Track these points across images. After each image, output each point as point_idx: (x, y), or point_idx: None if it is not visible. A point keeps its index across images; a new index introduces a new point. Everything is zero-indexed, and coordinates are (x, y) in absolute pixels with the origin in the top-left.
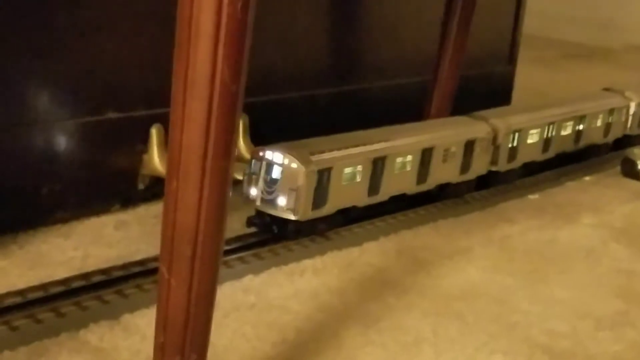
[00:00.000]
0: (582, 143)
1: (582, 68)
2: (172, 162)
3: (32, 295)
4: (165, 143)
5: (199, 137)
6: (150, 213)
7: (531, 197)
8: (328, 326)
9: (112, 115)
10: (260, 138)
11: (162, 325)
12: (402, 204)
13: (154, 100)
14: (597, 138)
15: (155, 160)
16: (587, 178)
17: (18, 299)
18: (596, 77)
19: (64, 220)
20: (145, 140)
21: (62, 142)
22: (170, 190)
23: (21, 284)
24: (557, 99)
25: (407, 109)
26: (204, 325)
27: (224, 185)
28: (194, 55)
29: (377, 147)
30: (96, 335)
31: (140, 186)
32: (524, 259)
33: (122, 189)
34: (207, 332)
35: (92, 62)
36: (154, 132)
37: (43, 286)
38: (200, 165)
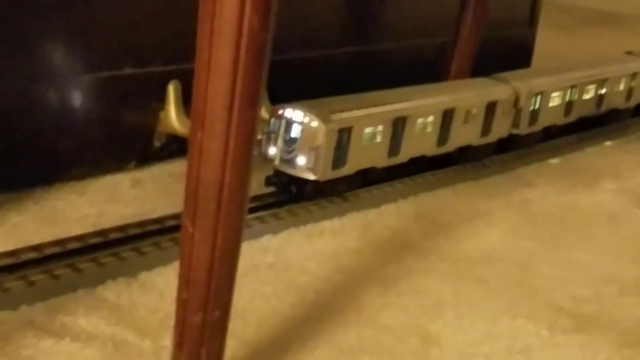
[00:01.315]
0: (604, 107)
1: (599, 34)
2: (196, 112)
3: (48, 251)
4: (182, 100)
5: (225, 86)
6: (166, 171)
7: (551, 161)
8: (347, 288)
9: (128, 70)
10: (275, 98)
11: (185, 281)
12: (420, 166)
13: (172, 55)
14: (619, 102)
15: (172, 117)
16: (607, 143)
17: (34, 254)
18: (613, 43)
19: (79, 177)
20: (162, 97)
21: (78, 97)
22: (195, 141)
23: (36, 240)
24: (579, 61)
25: (425, 70)
26: (228, 281)
27: (250, 136)
28: (220, 0)
29: (398, 107)
30: (113, 292)
31: (157, 144)
32: (545, 223)
33: (138, 146)
34: (231, 289)
35: (108, 16)
36: (171, 88)
37: (59, 242)
38: (226, 116)
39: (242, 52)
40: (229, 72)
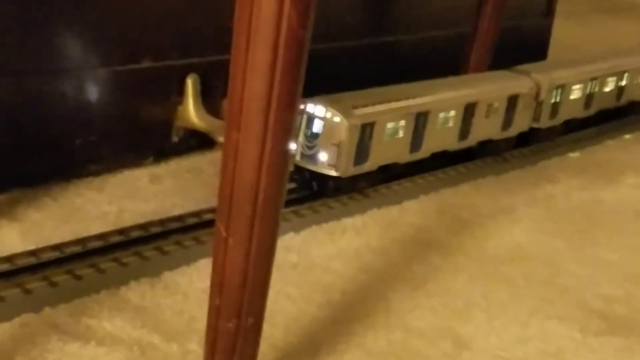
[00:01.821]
0: (624, 99)
1: (612, 23)
2: (232, 113)
3: (69, 250)
4: (200, 93)
5: (262, 86)
6: (183, 167)
7: (572, 155)
8: (374, 288)
9: (147, 64)
10: None
11: (217, 287)
12: (440, 161)
13: (191, 49)
14: (639, 94)
15: (191, 111)
16: (627, 136)
17: (56, 254)
18: (626, 32)
19: (97, 173)
20: (180, 90)
21: (96, 91)
22: (230, 143)
23: (57, 238)
24: (599, 53)
25: (443, 62)
26: (262, 287)
27: (288, 138)
28: None
29: (420, 102)
30: (137, 293)
31: (175, 139)
32: (570, 220)
33: (156, 141)
34: (265, 295)
35: (127, 8)
36: (190, 82)
37: (80, 241)
38: (263, 117)
39: (281, 51)
40: (266, 72)
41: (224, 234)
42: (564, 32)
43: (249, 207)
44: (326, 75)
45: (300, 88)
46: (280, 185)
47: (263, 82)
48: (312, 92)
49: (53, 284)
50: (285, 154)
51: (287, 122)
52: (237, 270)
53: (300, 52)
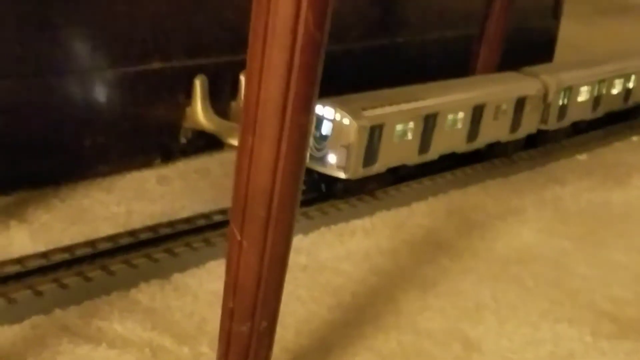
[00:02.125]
0: (631, 101)
1: (618, 24)
2: (248, 116)
3: (79, 252)
4: (208, 95)
5: (278, 89)
6: (191, 167)
7: (579, 157)
8: (384, 289)
9: (156, 65)
10: None
11: (231, 290)
12: (448, 162)
13: (199, 50)
14: None
15: (199, 113)
16: (634, 138)
17: (66, 256)
18: (631, 34)
19: (105, 174)
20: (188, 92)
21: (104, 92)
22: (245, 147)
23: (66, 240)
24: (606, 55)
25: (448, 63)
26: (276, 290)
27: (303, 142)
28: (275, 1)
29: (428, 104)
30: (147, 295)
31: (182, 140)
32: (578, 221)
33: (164, 142)
34: (279, 298)
35: (135, 9)
36: (198, 83)
37: (90, 243)
38: (279, 121)
39: (297, 53)
40: (282, 74)
41: (239, 237)
42: (569, 33)
43: (264, 210)
44: (335, 77)
45: (317, 91)
46: (295, 188)
47: (279, 85)
48: (321, 93)
49: (63, 286)
50: (301, 157)
51: (303, 125)
52: (251, 273)
53: (317, 55)
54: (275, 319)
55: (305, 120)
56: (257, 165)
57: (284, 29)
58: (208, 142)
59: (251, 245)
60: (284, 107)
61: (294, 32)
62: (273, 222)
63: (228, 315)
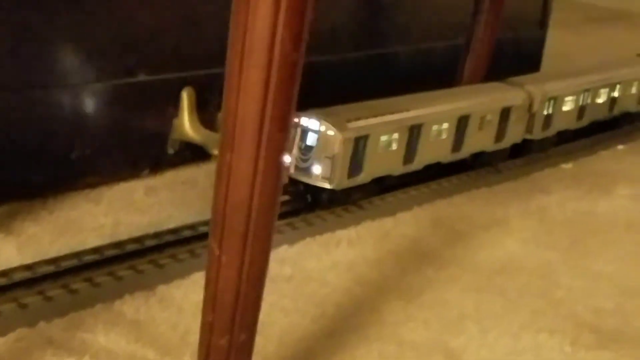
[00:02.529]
0: (617, 110)
1: (607, 32)
2: (226, 133)
3: (65, 264)
4: (195, 106)
5: (255, 107)
6: (179, 179)
7: (565, 166)
8: (368, 300)
9: (142, 77)
10: None
11: (210, 304)
12: (433, 172)
13: (186, 62)
14: (631, 105)
15: (186, 124)
16: (620, 147)
17: (51, 268)
18: (621, 42)
19: (94, 185)
20: (176, 103)
21: (92, 104)
22: (224, 162)
23: (53, 252)
24: (591, 64)
25: (436, 73)
26: (255, 304)
27: (281, 159)
28: (252, 20)
29: (413, 114)
30: (132, 306)
31: (170, 151)
32: (563, 231)
33: (152, 153)
34: (257, 311)
35: (122, 22)
36: (185, 95)
37: (76, 254)
38: (256, 138)
39: (274, 72)
40: (259, 94)
41: (217, 252)
42: (558, 41)
43: (242, 225)
44: (322, 88)
45: (294, 109)
46: (272, 203)
47: (256, 104)
48: (308, 104)
49: (48, 299)
50: (278, 173)
51: (280, 142)
52: (229, 287)
53: (293, 74)
54: (254, 332)
55: (282, 137)
56: (235, 180)
57: (261, 48)
58: (195, 153)
59: (230, 259)
60: (261, 125)
61: (271, 51)
62: (251, 237)
63: (207, 328)
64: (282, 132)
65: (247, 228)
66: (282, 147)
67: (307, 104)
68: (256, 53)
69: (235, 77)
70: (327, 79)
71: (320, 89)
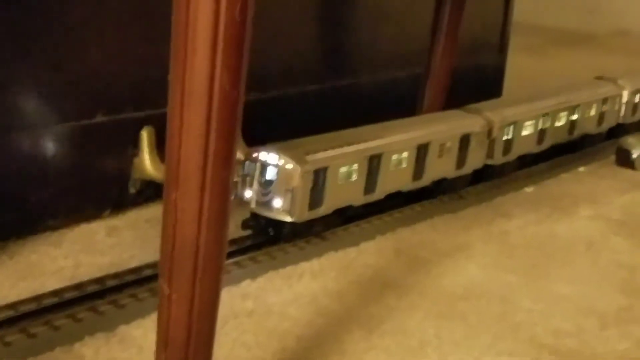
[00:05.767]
0: (576, 133)
1: (569, 54)
2: (170, 173)
3: (24, 308)
4: (155, 145)
5: (198, 147)
6: (141, 217)
7: (527, 189)
8: (330, 331)
9: (101, 118)
10: (249, 136)
11: (163, 342)
12: (397, 200)
13: (144, 102)
14: (591, 128)
15: (147, 163)
16: (581, 169)
17: (10, 313)
18: (584, 64)
19: (54, 228)
20: (135, 143)
21: (50, 147)
22: (170, 202)
23: (13, 296)
24: (550, 88)
25: (399, 103)
26: (207, 341)
27: (225, 196)
28: (191, 61)
29: (372, 145)
30: (92, 348)
31: (132, 190)
32: (524, 255)
33: (113, 193)
34: (210, 348)
35: (78, 65)
36: (145, 134)
37: (35, 298)
38: (200, 176)
39: (214, 112)
40: (201, 133)
41: (167, 290)
42: (520, 65)
43: (190, 262)
44: (282, 122)
45: (236, 145)
46: (220, 240)
47: (198, 143)
48: (268, 138)
49: (7, 344)
50: (224, 210)
51: (224, 180)
52: (181, 326)
53: (234, 112)
54: None
55: (226, 175)
56: (182, 219)
57: (200, 89)
58: (158, 191)
59: (179, 297)
60: (205, 164)
61: (210, 92)
62: (200, 274)
63: None
64: (226, 171)
65: (196, 265)
66: (226, 183)
67: (267, 139)
68: (196, 93)
69: (177, 117)
70: (287, 113)
71: (280, 123)
